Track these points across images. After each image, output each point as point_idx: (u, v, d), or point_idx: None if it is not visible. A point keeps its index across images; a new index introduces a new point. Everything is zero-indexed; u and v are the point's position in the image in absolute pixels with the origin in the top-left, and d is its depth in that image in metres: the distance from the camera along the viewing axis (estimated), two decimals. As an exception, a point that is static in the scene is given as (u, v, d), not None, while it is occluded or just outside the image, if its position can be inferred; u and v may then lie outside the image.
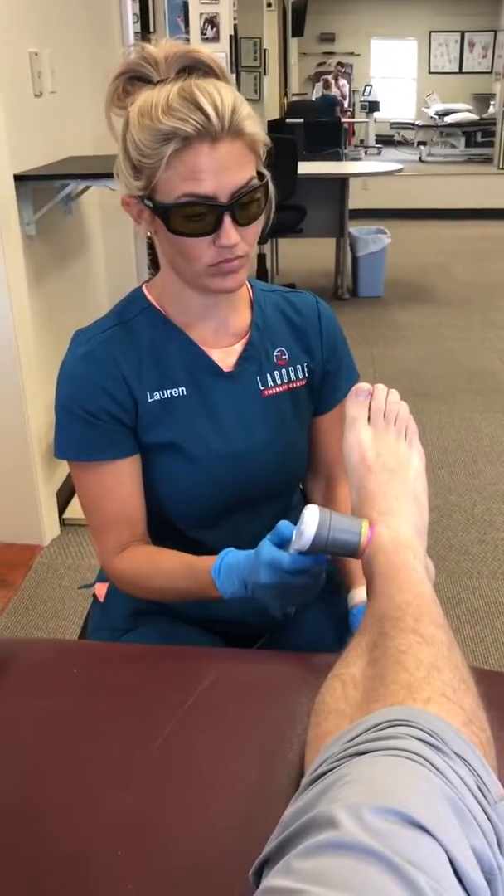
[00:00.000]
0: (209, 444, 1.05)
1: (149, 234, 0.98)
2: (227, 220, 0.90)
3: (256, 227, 0.95)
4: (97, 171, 2.37)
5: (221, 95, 0.87)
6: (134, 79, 0.93)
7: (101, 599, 1.20)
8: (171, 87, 0.88)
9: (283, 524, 0.90)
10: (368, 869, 0.42)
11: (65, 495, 2.70)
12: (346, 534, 0.83)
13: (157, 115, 0.87)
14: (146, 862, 0.64)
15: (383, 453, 0.90)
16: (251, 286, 1.11)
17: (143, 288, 1.08)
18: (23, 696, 0.86)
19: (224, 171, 0.88)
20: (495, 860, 0.48)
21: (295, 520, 0.91)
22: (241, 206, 0.90)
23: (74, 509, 2.67)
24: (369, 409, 0.93)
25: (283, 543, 0.89)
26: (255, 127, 0.90)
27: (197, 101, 0.86)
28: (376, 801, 0.45)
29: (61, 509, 2.64)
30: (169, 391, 1.03)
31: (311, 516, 0.83)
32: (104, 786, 0.72)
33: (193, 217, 0.90)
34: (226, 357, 1.06)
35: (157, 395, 1.03)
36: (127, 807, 0.69)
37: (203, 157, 0.87)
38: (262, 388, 1.08)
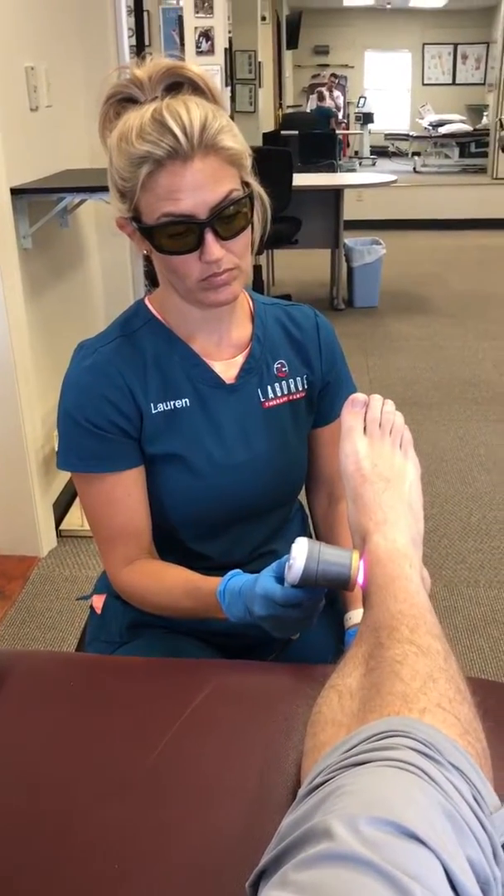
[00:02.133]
0: (211, 456, 1.05)
1: (144, 251, 0.99)
2: (209, 236, 0.90)
3: (244, 239, 0.95)
4: (93, 185, 2.38)
5: (190, 114, 0.87)
6: (123, 100, 0.94)
7: (99, 611, 1.20)
8: (147, 110, 0.89)
9: (285, 558, 0.89)
10: (364, 880, 0.42)
11: (62, 507, 2.70)
12: (336, 566, 0.82)
13: (132, 140, 0.88)
14: (143, 874, 0.64)
15: (379, 463, 0.90)
16: (252, 299, 1.12)
17: (146, 300, 1.08)
18: (19, 708, 0.86)
19: (199, 188, 0.88)
20: (491, 870, 0.48)
21: (291, 538, 0.91)
22: (222, 220, 0.90)
23: (71, 521, 2.67)
24: (365, 419, 0.94)
25: (282, 575, 0.88)
26: (231, 140, 0.90)
27: (165, 123, 0.86)
28: (372, 812, 0.46)
29: (58, 521, 2.64)
30: (172, 402, 1.04)
31: (300, 549, 0.83)
32: (100, 798, 0.72)
33: (175, 236, 0.91)
34: (227, 369, 1.07)
35: (161, 407, 1.03)
36: (123, 819, 0.69)
37: (177, 178, 0.87)
38: (262, 400, 1.09)
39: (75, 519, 2.66)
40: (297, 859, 0.45)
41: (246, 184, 0.94)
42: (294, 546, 0.84)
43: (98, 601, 1.21)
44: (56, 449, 1.07)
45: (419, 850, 0.44)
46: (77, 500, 2.68)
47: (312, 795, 0.52)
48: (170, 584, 1.03)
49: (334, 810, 0.47)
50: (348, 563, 0.83)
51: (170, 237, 0.91)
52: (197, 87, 0.94)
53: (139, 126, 0.88)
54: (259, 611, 0.88)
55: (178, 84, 0.94)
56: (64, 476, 2.67)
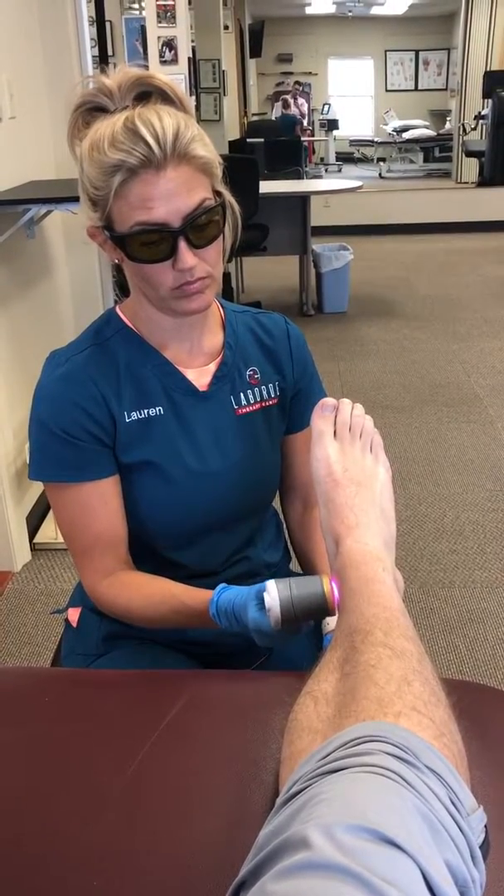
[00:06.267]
0: (186, 463, 1.05)
1: (116, 260, 0.98)
2: (182, 244, 0.91)
3: (216, 247, 0.95)
4: (59, 195, 2.36)
5: (163, 122, 0.87)
6: (92, 109, 0.94)
7: (74, 625, 1.19)
8: (118, 118, 0.89)
9: (269, 584, 0.90)
10: (342, 888, 0.41)
11: (35, 520, 2.67)
12: (310, 598, 0.84)
13: (104, 148, 0.88)
14: (122, 891, 0.63)
15: (350, 467, 0.90)
16: (222, 307, 1.12)
17: (117, 309, 1.08)
18: (-7, 726, 0.84)
19: (173, 196, 0.88)
20: (469, 873, 0.48)
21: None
22: (195, 228, 0.91)
23: (46, 534, 2.64)
24: (335, 424, 0.94)
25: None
26: (203, 149, 0.90)
27: (138, 132, 0.86)
28: (349, 819, 0.45)
29: (32, 534, 2.62)
30: (146, 411, 1.03)
31: (272, 596, 0.85)
32: (77, 816, 0.71)
33: (148, 244, 0.91)
34: (200, 377, 1.07)
35: (135, 415, 1.03)
36: (101, 836, 0.68)
37: (150, 186, 0.88)
38: (235, 407, 1.09)
39: (49, 532, 2.64)
40: (275, 870, 0.45)
41: (217, 192, 0.94)
42: (265, 595, 0.86)
43: (74, 614, 1.20)
44: (28, 460, 1.06)
45: (397, 855, 0.44)
46: (51, 513, 2.66)
47: (289, 804, 0.52)
48: (157, 599, 1.02)
49: (311, 819, 0.47)
50: (321, 592, 0.84)
51: (143, 245, 0.91)
52: (166, 97, 0.94)
53: (111, 135, 0.88)
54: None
55: (146, 93, 0.94)
56: (37, 489, 2.64)
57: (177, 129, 0.87)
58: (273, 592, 0.85)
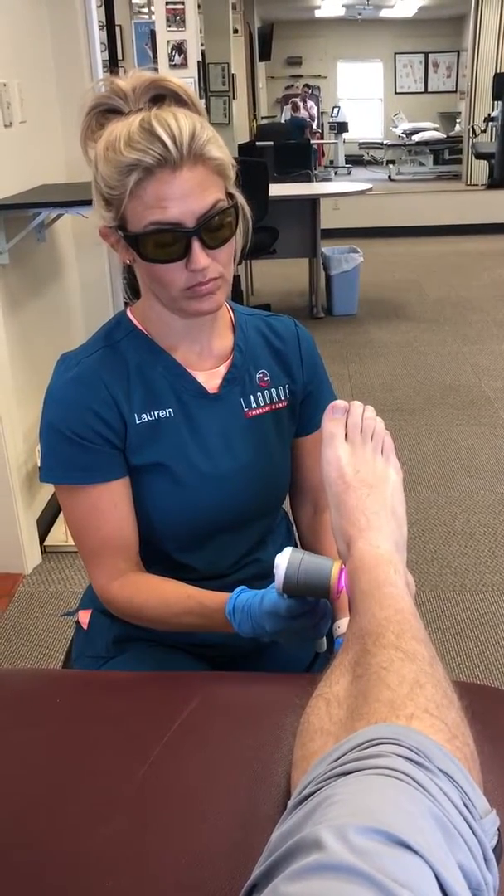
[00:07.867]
0: (196, 465, 1.05)
1: (127, 261, 0.99)
2: (196, 244, 0.91)
3: (229, 249, 0.96)
4: (69, 199, 2.37)
5: (179, 123, 0.88)
6: (106, 111, 0.95)
7: (85, 627, 1.19)
8: (134, 119, 0.90)
9: (287, 549, 0.92)
10: (355, 889, 0.41)
11: (45, 523, 2.68)
12: (315, 575, 0.85)
13: (120, 148, 0.89)
14: (135, 892, 0.64)
15: (361, 469, 0.90)
16: (232, 310, 1.13)
17: (128, 311, 1.09)
18: (4, 727, 0.85)
19: (188, 197, 0.89)
20: (482, 876, 0.48)
21: (276, 548, 0.92)
22: (208, 229, 0.91)
23: (56, 536, 2.65)
24: (346, 426, 0.94)
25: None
26: (218, 151, 0.91)
27: (155, 132, 0.87)
28: (361, 821, 0.45)
29: (42, 537, 2.63)
30: (156, 413, 1.04)
31: (283, 558, 0.87)
32: (90, 816, 0.71)
33: (162, 244, 0.91)
34: (210, 379, 1.07)
35: (145, 417, 1.03)
36: (114, 837, 0.69)
37: (165, 186, 0.88)
38: (245, 410, 1.09)
39: (59, 534, 2.65)
40: (288, 871, 0.45)
41: (230, 194, 0.95)
42: (278, 556, 0.87)
43: (84, 616, 1.20)
44: (39, 463, 1.06)
45: (410, 857, 0.44)
46: (61, 516, 2.67)
47: (302, 806, 0.52)
48: (172, 600, 1.03)
49: (324, 820, 0.47)
50: (327, 572, 0.85)
51: (156, 245, 0.92)
52: (180, 100, 0.95)
53: (127, 135, 0.89)
54: (269, 627, 0.91)
55: (161, 96, 0.95)
56: (47, 492, 2.65)
57: (193, 130, 0.88)
58: (286, 554, 0.87)
